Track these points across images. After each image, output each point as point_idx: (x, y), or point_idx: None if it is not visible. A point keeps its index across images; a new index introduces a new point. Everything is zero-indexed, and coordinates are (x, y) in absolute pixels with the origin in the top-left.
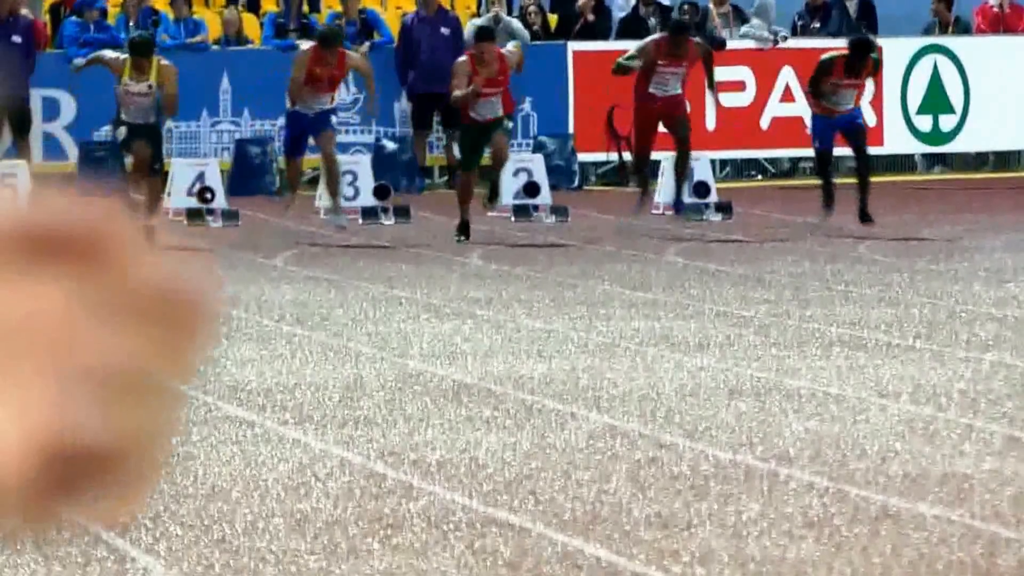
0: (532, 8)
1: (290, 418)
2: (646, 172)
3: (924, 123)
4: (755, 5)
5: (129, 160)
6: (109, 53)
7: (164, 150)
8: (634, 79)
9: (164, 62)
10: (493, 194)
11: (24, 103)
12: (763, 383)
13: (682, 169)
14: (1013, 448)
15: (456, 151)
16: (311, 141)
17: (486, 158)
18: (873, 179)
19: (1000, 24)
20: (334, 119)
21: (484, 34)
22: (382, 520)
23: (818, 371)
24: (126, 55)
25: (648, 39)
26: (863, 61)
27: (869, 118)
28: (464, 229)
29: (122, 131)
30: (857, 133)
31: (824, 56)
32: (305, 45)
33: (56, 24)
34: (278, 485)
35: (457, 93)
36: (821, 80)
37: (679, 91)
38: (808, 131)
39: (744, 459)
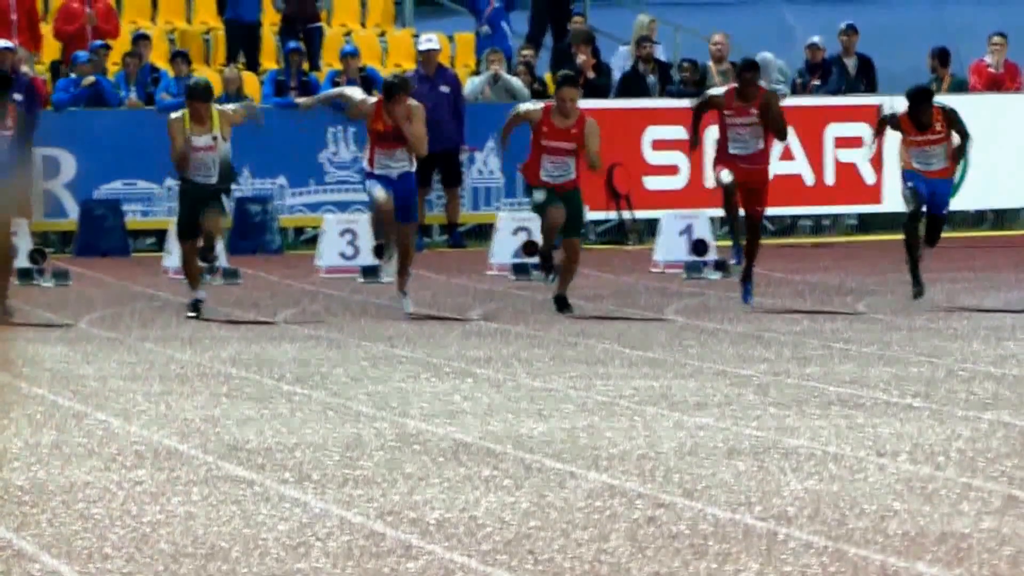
0: (520, 68)
1: (290, 477)
2: (739, 234)
3: None
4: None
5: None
6: (174, 126)
7: (223, 202)
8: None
9: (225, 110)
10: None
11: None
12: (762, 442)
13: (751, 248)
14: (1012, 507)
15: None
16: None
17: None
18: (871, 237)
19: (994, 83)
20: (418, 206)
21: (568, 80)
22: None
23: (817, 430)
24: (179, 113)
25: (720, 90)
26: (926, 111)
27: (868, 176)
28: (562, 303)
29: (183, 204)
30: (938, 204)
31: (887, 113)
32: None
33: (56, 81)
34: (278, 545)
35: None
36: (903, 141)
37: (761, 147)
38: (902, 189)
39: (743, 518)
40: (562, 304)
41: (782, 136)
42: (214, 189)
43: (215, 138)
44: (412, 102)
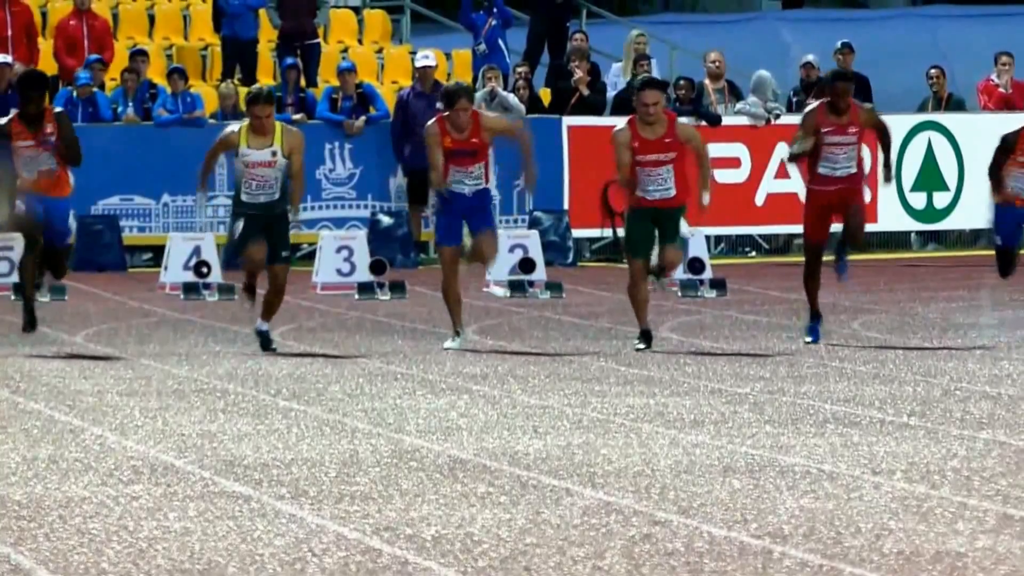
0: (520, 82)
1: (286, 493)
2: (817, 271)
3: (918, 200)
4: (752, 82)
5: (245, 261)
6: (220, 136)
7: (288, 235)
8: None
9: (290, 127)
10: (657, 272)
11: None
12: (757, 460)
13: (849, 240)
14: (1007, 526)
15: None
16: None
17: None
18: (866, 256)
19: (1005, 103)
20: (495, 212)
21: (649, 83)
22: None
23: (812, 448)
24: (236, 127)
25: (807, 109)
26: None
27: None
28: (646, 337)
29: (238, 226)
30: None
31: (1006, 132)
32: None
33: (53, 98)
34: (274, 560)
35: (622, 176)
36: (1003, 162)
37: (854, 170)
38: (989, 224)
39: (738, 536)
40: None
41: (887, 147)
42: (276, 215)
43: (275, 153)
44: (486, 113)
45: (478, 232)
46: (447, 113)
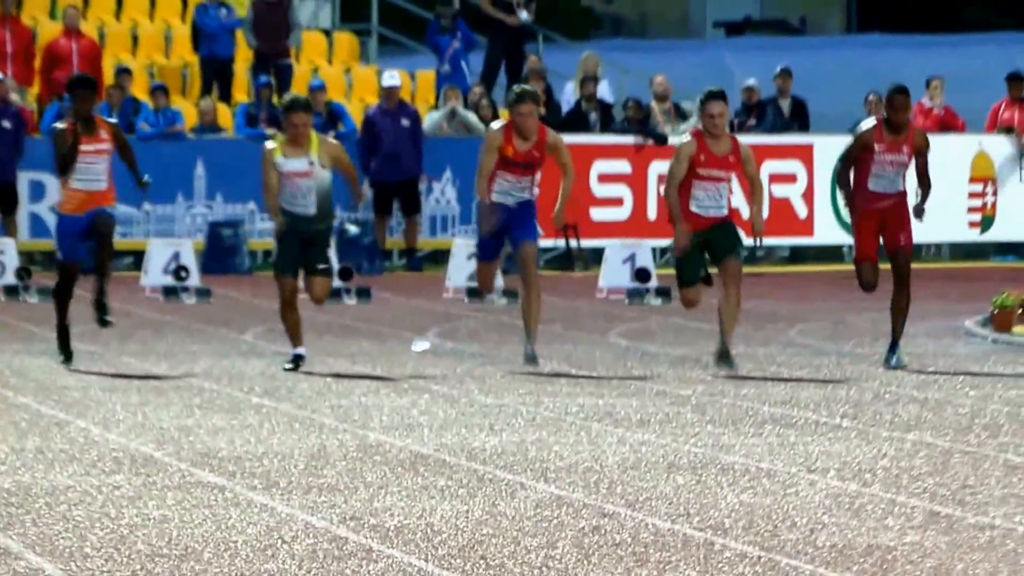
0: (484, 102)
1: (258, 484)
2: (873, 285)
3: None
4: (695, 104)
5: (282, 285)
6: (263, 158)
7: (327, 249)
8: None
9: (327, 139)
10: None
11: (12, 184)
12: (700, 458)
13: (899, 318)
14: (933, 522)
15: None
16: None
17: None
18: (803, 268)
19: (940, 124)
20: (537, 225)
21: (714, 95)
22: None
23: (751, 447)
24: (271, 143)
25: (863, 127)
26: None
27: (801, 210)
28: (725, 357)
29: (276, 244)
30: None
31: None
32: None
33: (42, 111)
34: (246, 547)
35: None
36: None
37: (902, 187)
38: None
39: (682, 529)
40: (724, 358)
41: (927, 185)
42: (316, 230)
43: (311, 163)
44: (551, 132)
45: (519, 243)
46: (513, 118)
